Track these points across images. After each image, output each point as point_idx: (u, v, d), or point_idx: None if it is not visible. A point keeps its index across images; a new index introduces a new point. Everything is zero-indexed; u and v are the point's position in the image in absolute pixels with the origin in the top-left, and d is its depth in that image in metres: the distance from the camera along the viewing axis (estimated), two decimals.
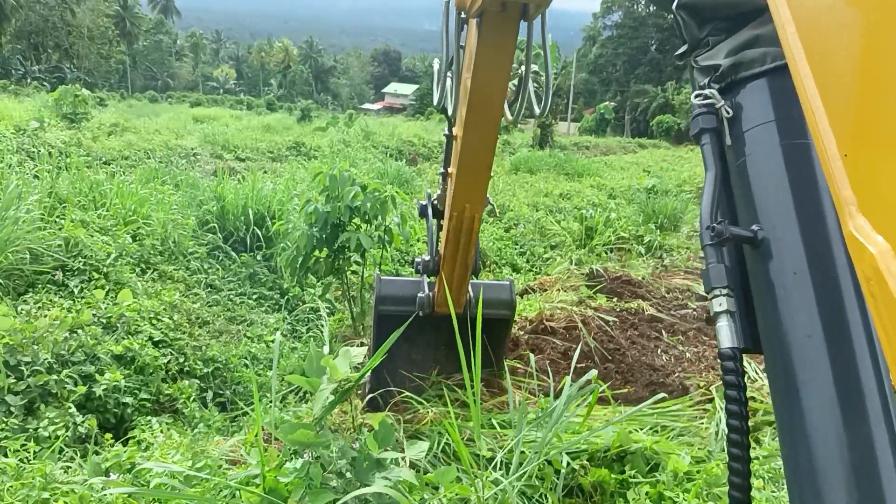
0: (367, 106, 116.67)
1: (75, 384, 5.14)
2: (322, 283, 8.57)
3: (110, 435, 4.78)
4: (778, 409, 1.42)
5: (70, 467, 4.17)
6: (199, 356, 6.44)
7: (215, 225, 10.29)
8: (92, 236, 8.11)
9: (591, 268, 9.77)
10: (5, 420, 4.70)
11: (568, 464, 3.90)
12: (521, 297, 8.42)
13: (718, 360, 1.55)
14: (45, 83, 54.20)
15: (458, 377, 5.15)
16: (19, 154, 13.61)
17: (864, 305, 1.25)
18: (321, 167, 7.75)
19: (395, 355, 4.47)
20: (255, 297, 8.87)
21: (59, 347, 5.40)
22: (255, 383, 3.31)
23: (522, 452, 3.73)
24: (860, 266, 1.01)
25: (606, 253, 11.90)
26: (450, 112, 3.94)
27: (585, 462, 4.03)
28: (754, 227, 1.48)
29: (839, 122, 1.07)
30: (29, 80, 58.23)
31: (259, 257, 9.83)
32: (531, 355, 5.79)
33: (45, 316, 5.92)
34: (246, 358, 6.91)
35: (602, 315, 7.46)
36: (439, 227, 5.06)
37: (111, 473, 3.94)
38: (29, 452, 4.27)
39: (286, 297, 8.96)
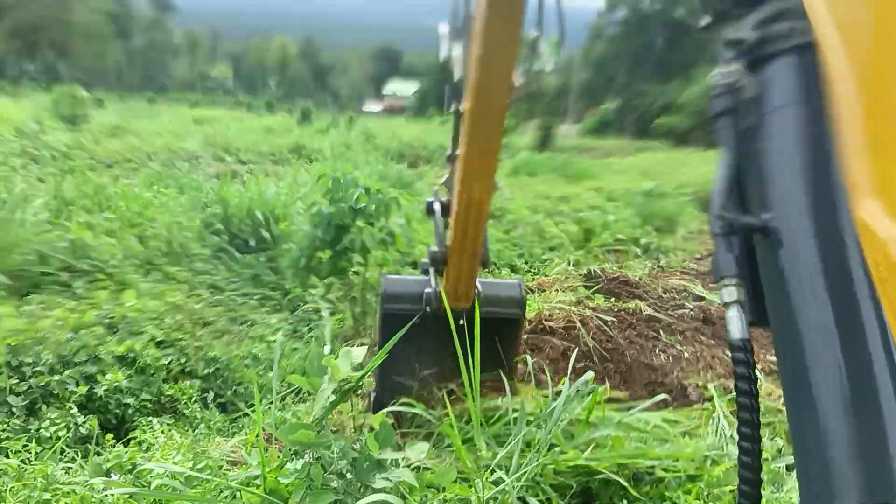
0: (367, 107, 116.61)
1: (77, 385, 5.16)
2: (324, 284, 8.59)
3: (111, 435, 4.79)
4: (789, 403, 1.39)
5: (71, 468, 4.19)
6: (201, 356, 6.45)
7: (220, 227, 10.32)
8: (98, 238, 8.15)
9: (589, 268, 9.80)
10: (7, 421, 4.73)
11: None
12: None
13: (729, 352, 1.52)
14: (41, 83, 54.06)
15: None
16: (23, 157, 13.65)
17: (878, 298, 1.20)
18: (325, 169, 7.77)
19: (400, 359, 4.37)
20: (257, 297, 8.88)
21: (61, 348, 5.42)
22: (256, 384, 3.33)
23: (522, 452, 3.75)
24: (870, 252, 1.00)
25: (604, 254, 11.93)
26: (456, 77, 3.85)
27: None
28: (766, 216, 1.42)
29: (866, 103, 1.03)
30: (24, 80, 58.11)
31: (262, 258, 9.85)
32: (528, 357, 5.79)
33: (49, 316, 5.94)
34: (248, 358, 6.92)
35: (600, 315, 7.48)
36: (446, 226, 4.86)
37: (112, 474, 3.95)
38: (30, 453, 4.29)
39: (288, 297, 8.98)
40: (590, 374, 4.18)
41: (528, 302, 8.14)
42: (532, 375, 5.19)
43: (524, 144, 38.91)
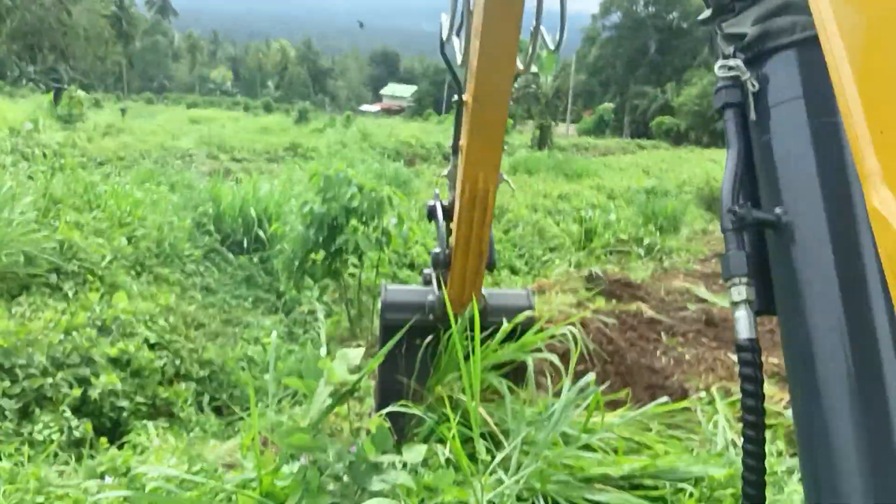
0: (365, 108, 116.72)
1: (70, 387, 5.11)
2: (319, 285, 8.53)
3: (105, 439, 4.75)
4: (796, 402, 1.35)
5: (65, 471, 4.14)
6: (195, 359, 6.41)
7: (211, 227, 10.25)
8: (87, 238, 8.07)
9: (590, 270, 9.75)
10: (0, 424, 4.67)
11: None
12: None
13: (735, 352, 1.47)
14: (40, 84, 54.18)
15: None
16: (13, 155, 13.58)
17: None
18: (318, 167, 7.72)
19: (402, 365, 4.23)
20: (251, 299, 8.84)
21: (53, 350, 5.36)
22: (252, 386, 3.29)
23: (525, 452, 3.70)
24: (882, 243, 0.97)
25: (606, 255, 11.89)
26: (459, 60, 3.79)
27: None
28: (778, 211, 1.39)
29: (871, 95, 1.01)
30: (24, 82, 58.15)
31: (255, 259, 9.79)
32: (528, 358, 5.72)
33: (40, 318, 5.88)
34: (242, 361, 6.87)
35: (601, 317, 7.44)
36: (449, 232, 4.63)
37: (106, 477, 3.90)
38: (23, 456, 4.24)
39: (283, 299, 8.93)
40: (591, 376, 4.11)
41: None
42: (531, 378, 5.13)
43: (522, 143, 38.96)
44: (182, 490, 3.48)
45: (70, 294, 6.96)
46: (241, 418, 5.73)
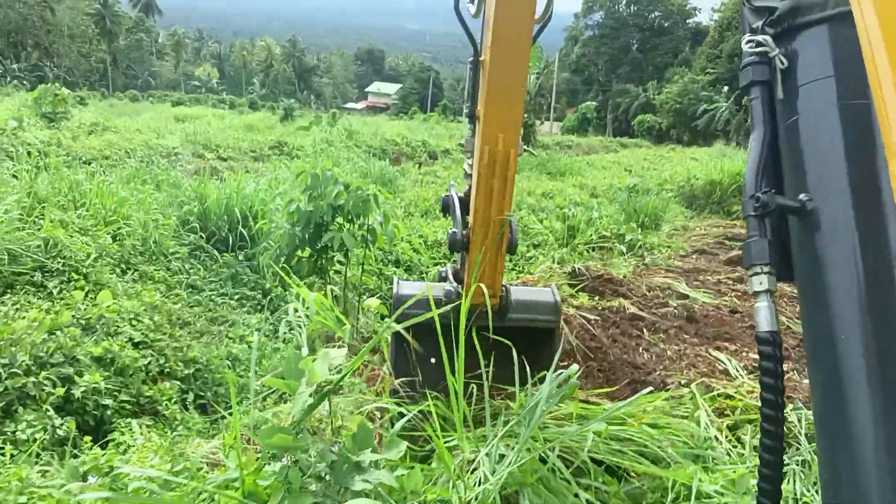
0: (350, 105, 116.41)
1: (54, 386, 5.08)
2: (305, 283, 8.52)
3: (89, 437, 4.73)
4: (817, 396, 1.32)
5: (48, 471, 4.13)
6: (180, 357, 6.39)
7: (197, 225, 10.22)
8: (71, 237, 8.03)
9: (573, 266, 9.80)
10: None
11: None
12: None
13: (756, 344, 1.43)
14: (24, 82, 53.76)
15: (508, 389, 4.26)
16: None
17: None
18: (304, 166, 7.71)
19: (421, 357, 3.94)
20: (237, 297, 8.82)
21: (37, 349, 5.33)
22: (233, 385, 3.28)
23: (509, 447, 3.71)
24: None
25: (588, 251, 11.95)
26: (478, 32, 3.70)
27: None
28: (802, 197, 1.35)
29: None
30: (8, 79, 57.75)
31: (241, 257, 9.77)
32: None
33: (24, 317, 5.86)
34: (227, 359, 6.86)
35: (584, 314, 7.48)
36: (465, 225, 4.31)
37: (89, 477, 3.89)
38: (6, 456, 4.23)
39: (269, 297, 8.92)
40: (573, 368, 4.07)
41: None
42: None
43: None
44: (164, 490, 3.48)
45: (55, 292, 6.93)
46: (224, 417, 5.74)
